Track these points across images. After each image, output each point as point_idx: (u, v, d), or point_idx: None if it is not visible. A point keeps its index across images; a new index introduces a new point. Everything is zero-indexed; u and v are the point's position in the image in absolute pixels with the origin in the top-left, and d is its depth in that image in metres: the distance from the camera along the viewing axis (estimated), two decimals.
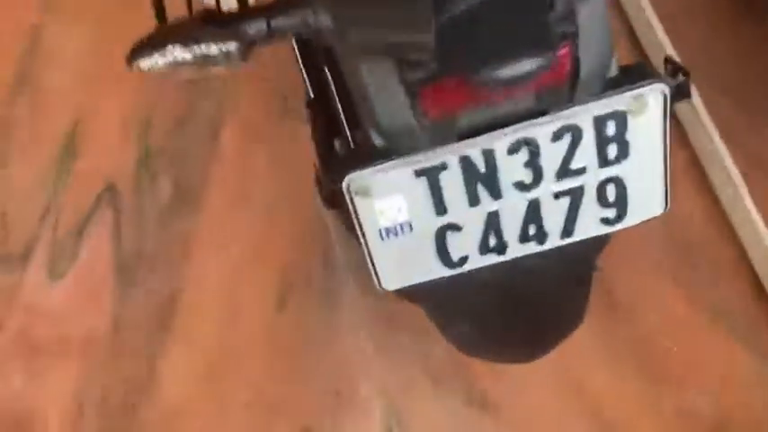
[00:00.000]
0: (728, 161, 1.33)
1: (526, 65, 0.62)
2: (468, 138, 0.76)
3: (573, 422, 1.25)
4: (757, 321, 1.29)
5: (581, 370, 1.27)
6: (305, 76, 1.03)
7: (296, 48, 1.05)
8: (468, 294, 0.98)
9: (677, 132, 1.42)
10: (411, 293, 1.04)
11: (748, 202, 1.30)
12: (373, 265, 0.83)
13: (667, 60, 0.79)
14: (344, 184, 0.77)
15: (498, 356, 1.17)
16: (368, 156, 0.77)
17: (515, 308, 1.03)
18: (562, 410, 1.26)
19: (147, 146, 1.55)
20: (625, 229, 0.84)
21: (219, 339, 1.37)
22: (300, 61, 1.04)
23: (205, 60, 0.69)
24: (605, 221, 0.82)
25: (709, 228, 1.37)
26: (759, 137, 1.40)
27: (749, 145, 1.38)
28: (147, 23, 0.74)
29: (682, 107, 1.38)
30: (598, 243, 0.97)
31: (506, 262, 0.93)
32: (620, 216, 0.82)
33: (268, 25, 0.68)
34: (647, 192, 0.81)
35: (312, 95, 1.02)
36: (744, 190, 1.31)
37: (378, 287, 0.85)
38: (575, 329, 1.12)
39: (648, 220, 0.84)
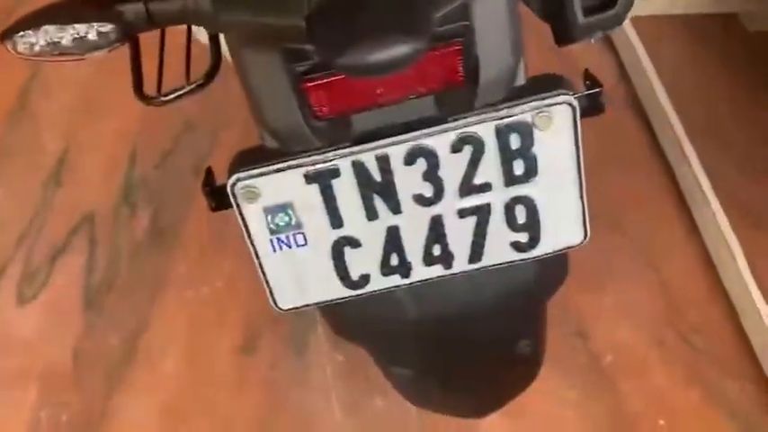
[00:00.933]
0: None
1: (393, 50, 0.57)
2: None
3: None
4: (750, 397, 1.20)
5: None
6: None
7: None
8: (403, 334, 0.91)
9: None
10: (342, 328, 0.98)
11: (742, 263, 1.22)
12: (266, 280, 0.77)
13: (586, 74, 0.73)
14: (229, 184, 0.72)
15: (445, 408, 1.08)
16: (259, 157, 0.73)
17: (455, 353, 0.95)
18: None
19: (130, 179, 1.55)
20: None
21: (181, 379, 1.32)
22: None
23: (83, 43, 0.68)
24: (516, 247, 0.75)
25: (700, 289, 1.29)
26: None
27: None
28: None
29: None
30: (548, 281, 0.90)
31: (439, 299, 0.87)
32: (534, 241, 0.75)
33: (146, 9, 0.66)
34: (562, 216, 0.74)
35: None
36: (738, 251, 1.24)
37: (272, 306, 0.79)
38: (530, 382, 1.03)
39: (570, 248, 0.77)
